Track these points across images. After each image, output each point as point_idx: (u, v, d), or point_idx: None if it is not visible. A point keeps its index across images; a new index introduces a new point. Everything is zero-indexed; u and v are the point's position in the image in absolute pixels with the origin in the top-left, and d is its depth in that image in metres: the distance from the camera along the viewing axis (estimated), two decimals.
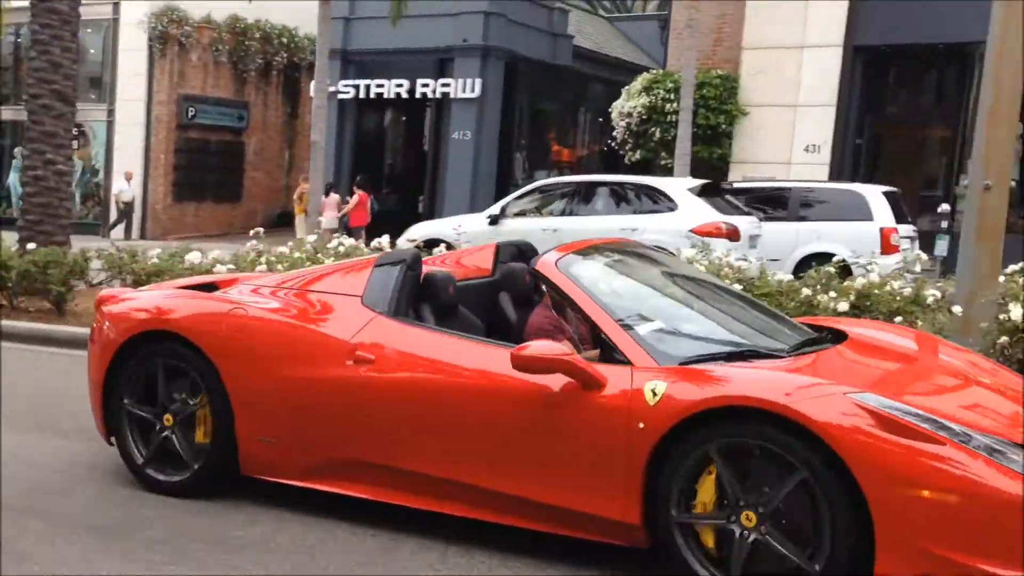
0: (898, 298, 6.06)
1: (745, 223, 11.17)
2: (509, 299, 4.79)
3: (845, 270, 7.66)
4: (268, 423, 4.24)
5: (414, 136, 22.40)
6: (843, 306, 5.73)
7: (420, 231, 12.75)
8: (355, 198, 17.48)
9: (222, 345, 4.33)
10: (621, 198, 12.05)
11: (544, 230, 11.08)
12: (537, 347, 3.64)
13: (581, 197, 12.31)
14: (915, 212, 14.57)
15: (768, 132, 16.54)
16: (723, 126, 16.67)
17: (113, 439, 4.64)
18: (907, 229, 12.33)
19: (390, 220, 16.20)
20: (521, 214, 12.38)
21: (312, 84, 14.43)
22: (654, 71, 17.96)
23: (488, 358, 3.91)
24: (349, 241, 8.39)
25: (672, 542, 3.44)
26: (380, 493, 4.06)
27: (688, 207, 11.14)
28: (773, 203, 13.08)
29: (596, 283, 4.05)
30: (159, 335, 4.47)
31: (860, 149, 16.83)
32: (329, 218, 15.52)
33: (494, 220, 12.15)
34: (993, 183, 6.08)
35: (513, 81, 20.17)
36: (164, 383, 4.48)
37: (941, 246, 13.47)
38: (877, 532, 3.09)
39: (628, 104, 17.21)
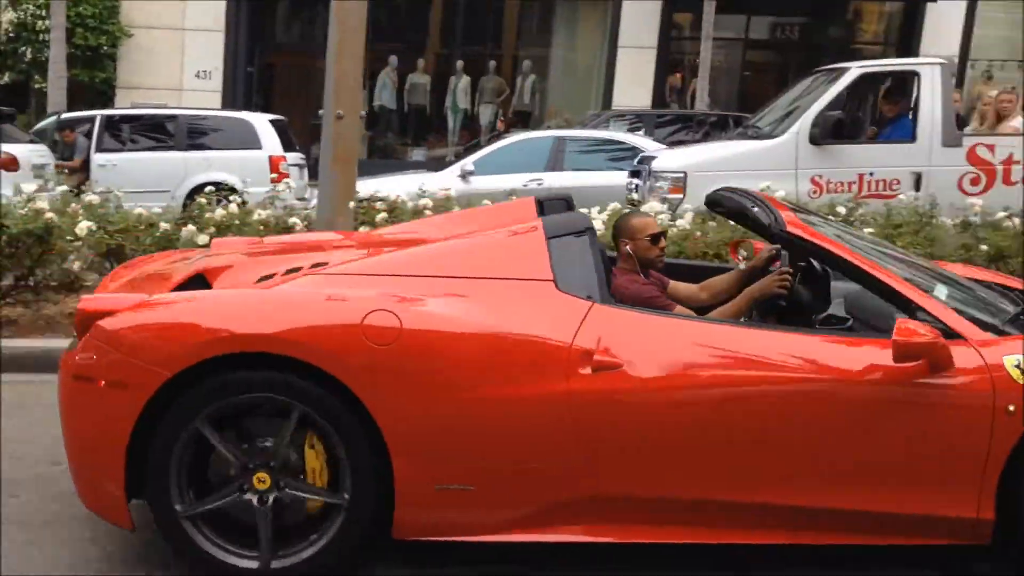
0: (262, 227, 6.10)
1: (26, 151, 10.46)
2: None
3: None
4: (457, 465, 3.08)
5: None
6: (203, 239, 5.60)
7: None
8: None
9: (371, 367, 3.01)
10: None
11: None
12: (911, 329, 2.95)
13: None
14: (308, 140, 15.07)
15: (156, 56, 15.76)
16: (105, 48, 15.48)
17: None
18: (295, 157, 12.65)
19: None
20: None
21: None
22: None
23: (772, 344, 3.15)
24: None
25: None
26: (636, 532, 3.15)
27: None
28: (162, 131, 12.54)
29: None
30: (244, 360, 3.01)
31: (252, 77, 16.86)
32: None
33: None
34: (344, 113, 6.36)
35: None
36: (256, 429, 3.09)
37: None
38: None
39: None
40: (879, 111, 9.12)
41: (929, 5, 16.41)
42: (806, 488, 3.15)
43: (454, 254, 3.40)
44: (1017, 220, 7.04)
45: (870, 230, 6.98)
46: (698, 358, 3.15)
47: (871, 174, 8.27)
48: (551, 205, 4.05)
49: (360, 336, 3.02)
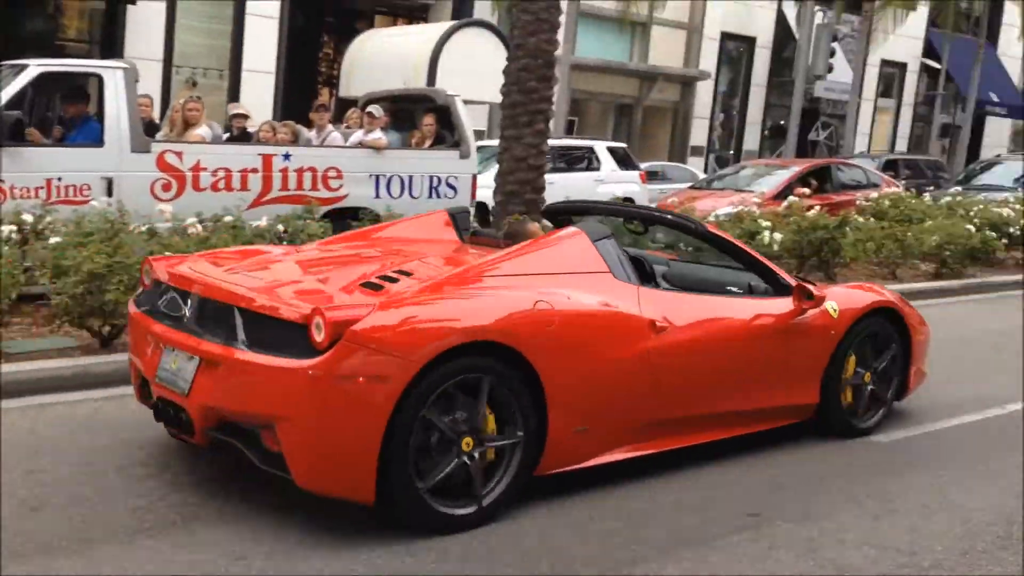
0: None
1: None
2: None
3: None
4: (583, 413, 4.22)
5: None
6: None
7: None
8: None
9: (543, 346, 4.03)
10: None
11: None
12: (812, 288, 5.08)
13: None
14: None
15: None
16: None
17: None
18: None
19: None
20: None
21: None
22: None
23: (733, 307, 5.00)
24: None
25: (866, 408, 5.45)
26: (664, 443, 4.57)
27: None
28: None
29: None
30: (468, 349, 3.82)
31: None
32: None
33: None
34: None
35: None
36: (473, 402, 3.88)
37: None
38: None
39: None
40: (64, 113, 8.72)
41: (130, 8, 16.40)
42: (750, 396, 4.91)
43: (538, 257, 4.40)
44: (201, 227, 7.32)
45: (57, 239, 6.60)
46: (701, 317, 4.72)
47: (60, 179, 7.85)
48: (460, 217, 5.39)
49: (536, 321, 4.01)
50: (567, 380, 4.07)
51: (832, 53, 23.41)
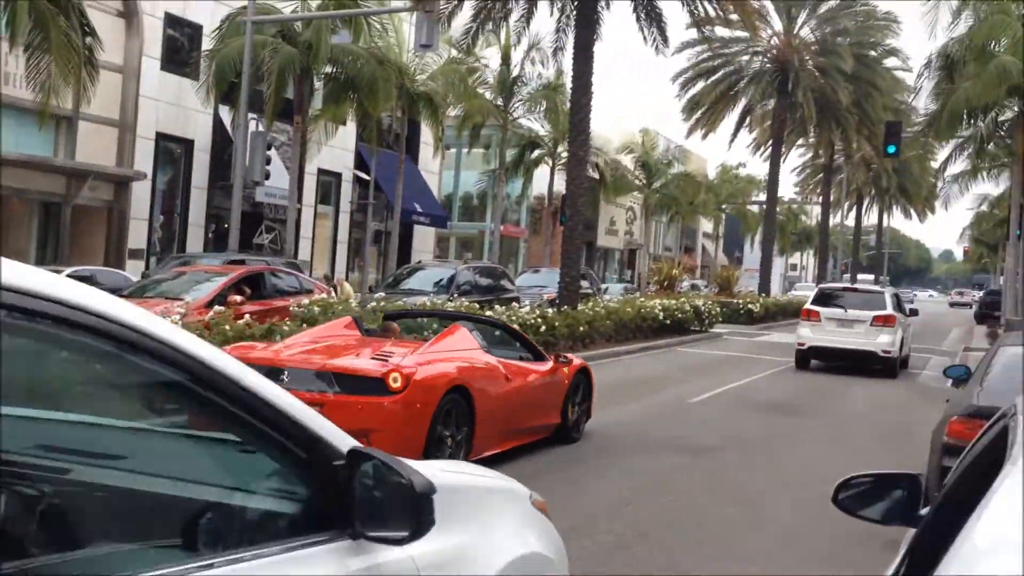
0: None
1: None
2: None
3: None
4: (487, 424, 8.11)
5: None
6: None
7: None
8: None
9: (477, 387, 8.02)
10: None
11: None
12: (569, 357, 10.45)
13: None
14: None
15: None
16: None
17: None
18: None
19: None
20: None
21: None
22: None
23: (529, 364, 9.44)
24: None
25: (576, 426, 10.07)
26: (508, 445, 8.65)
27: None
28: None
29: None
30: (451, 389, 7.75)
31: None
32: None
33: None
34: None
35: None
36: (451, 418, 7.76)
37: None
38: None
39: None
40: None
41: None
42: (535, 417, 9.32)
43: (454, 340, 8.54)
44: None
45: None
46: (516, 371, 9.06)
47: None
48: (361, 323, 9.61)
49: (473, 373, 8.13)
50: (483, 405, 7.95)
51: (268, 160, 24.01)
